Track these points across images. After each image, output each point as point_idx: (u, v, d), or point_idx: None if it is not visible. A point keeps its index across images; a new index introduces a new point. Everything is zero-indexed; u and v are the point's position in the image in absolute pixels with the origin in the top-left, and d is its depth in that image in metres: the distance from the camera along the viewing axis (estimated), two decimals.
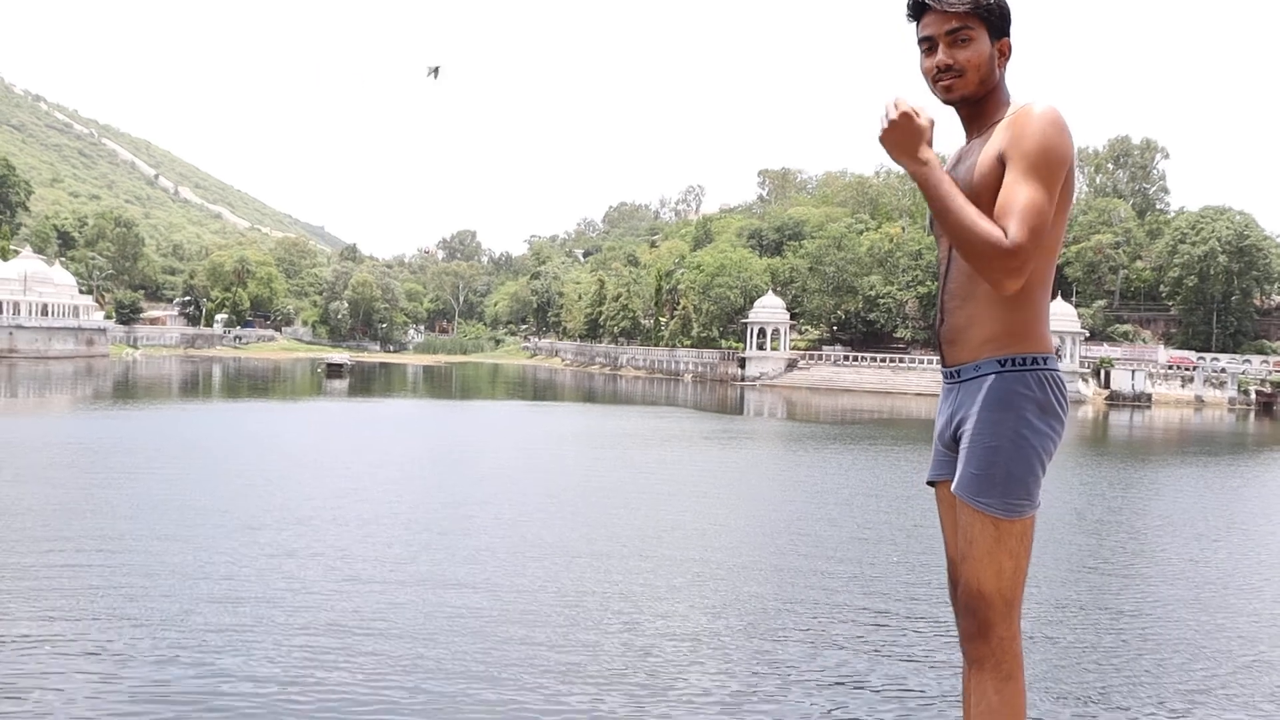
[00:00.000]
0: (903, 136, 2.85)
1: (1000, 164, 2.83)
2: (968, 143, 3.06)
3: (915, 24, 3.01)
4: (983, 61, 2.95)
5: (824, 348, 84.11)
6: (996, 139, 2.88)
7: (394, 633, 6.84)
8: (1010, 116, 2.89)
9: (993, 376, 2.92)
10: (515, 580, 8.65)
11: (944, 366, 3.10)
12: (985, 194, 2.85)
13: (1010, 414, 2.88)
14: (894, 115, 2.85)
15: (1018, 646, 2.91)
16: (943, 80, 2.98)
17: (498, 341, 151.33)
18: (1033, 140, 2.78)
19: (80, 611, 7.21)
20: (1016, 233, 2.70)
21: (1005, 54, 2.99)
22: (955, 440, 3.03)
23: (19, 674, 5.81)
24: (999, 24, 2.96)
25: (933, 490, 3.26)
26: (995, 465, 2.87)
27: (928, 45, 2.98)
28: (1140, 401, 66.54)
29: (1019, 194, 2.74)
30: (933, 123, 2.87)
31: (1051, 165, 2.77)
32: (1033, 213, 2.71)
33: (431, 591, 8.09)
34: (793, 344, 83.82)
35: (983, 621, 2.88)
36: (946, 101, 3.03)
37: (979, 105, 3.01)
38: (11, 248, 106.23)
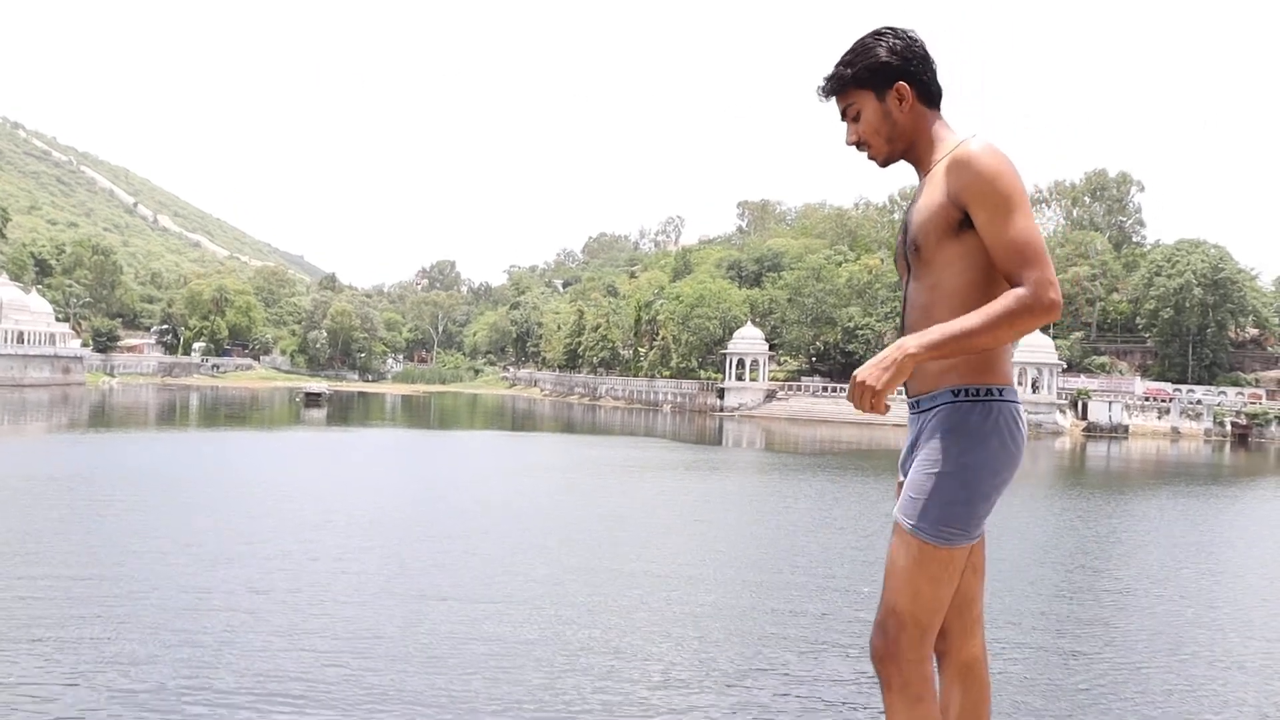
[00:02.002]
0: (895, 379, 2.77)
1: (952, 208, 2.85)
2: (920, 181, 3.09)
3: None
4: (877, 125, 3.02)
5: (803, 379, 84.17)
6: (940, 182, 2.89)
7: (366, 672, 6.76)
8: (949, 160, 2.89)
9: (946, 406, 2.92)
10: (491, 616, 8.59)
11: (907, 397, 3.08)
12: (933, 234, 2.89)
13: (955, 444, 2.87)
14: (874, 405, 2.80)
15: (928, 670, 2.88)
16: (863, 154, 3.09)
17: (477, 371, 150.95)
18: (988, 180, 2.79)
19: (36, 652, 7.01)
20: (1029, 275, 2.72)
21: (904, 97, 2.99)
22: None
23: None
24: (878, 77, 2.99)
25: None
26: (933, 491, 2.85)
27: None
28: (1117, 433, 66.87)
29: (1008, 234, 2.76)
30: (905, 360, 2.77)
31: (1014, 192, 2.79)
32: (1030, 244, 2.75)
33: (405, 630, 8.02)
34: (771, 375, 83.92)
35: (893, 641, 2.83)
36: (883, 167, 3.13)
37: (911, 154, 3.06)
38: None
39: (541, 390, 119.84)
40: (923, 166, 3.04)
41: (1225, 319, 77.76)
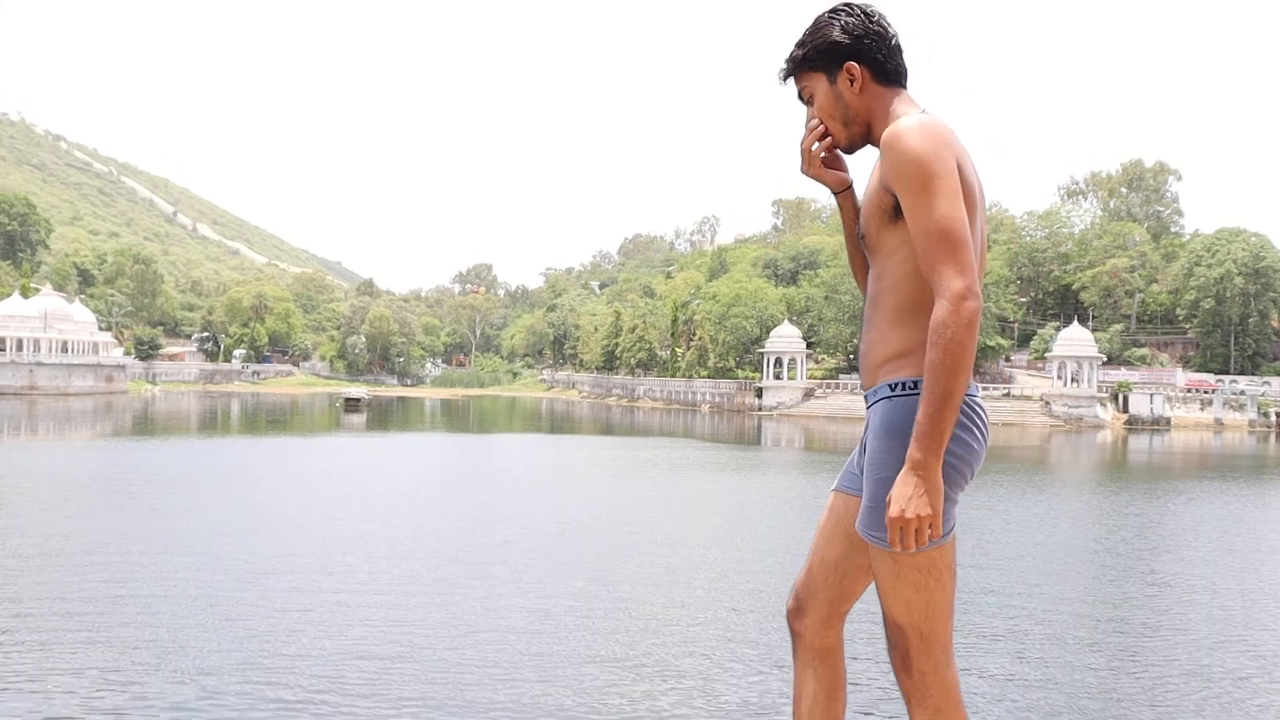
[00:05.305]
0: (932, 497, 2.59)
1: (885, 193, 2.74)
2: None
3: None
4: (831, 109, 2.89)
5: (840, 376, 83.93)
6: (878, 164, 2.78)
7: (407, 681, 6.83)
8: (883, 140, 2.73)
9: (884, 402, 2.79)
10: (536, 628, 8.65)
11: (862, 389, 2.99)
12: (873, 220, 2.82)
13: (896, 443, 2.71)
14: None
15: (944, 680, 2.78)
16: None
17: (515, 374, 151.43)
18: (909, 160, 2.62)
19: (77, 667, 6.86)
20: (943, 282, 2.57)
21: (855, 77, 2.84)
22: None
23: None
24: (828, 58, 2.86)
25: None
26: (885, 498, 2.68)
27: None
28: (1159, 425, 66.28)
29: (925, 222, 2.60)
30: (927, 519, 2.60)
31: (936, 174, 2.60)
32: (946, 235, 2.58)
33: (444, 640, 8.07)
34: (809, 373, 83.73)
35: (903, 654, 2.77)
36: (847, 153, 3.00)
37: (872, 137, 2.91)
38: (32, 285, 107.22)
39: (579, 392, 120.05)
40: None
41: (1268, 308, 77.01)
